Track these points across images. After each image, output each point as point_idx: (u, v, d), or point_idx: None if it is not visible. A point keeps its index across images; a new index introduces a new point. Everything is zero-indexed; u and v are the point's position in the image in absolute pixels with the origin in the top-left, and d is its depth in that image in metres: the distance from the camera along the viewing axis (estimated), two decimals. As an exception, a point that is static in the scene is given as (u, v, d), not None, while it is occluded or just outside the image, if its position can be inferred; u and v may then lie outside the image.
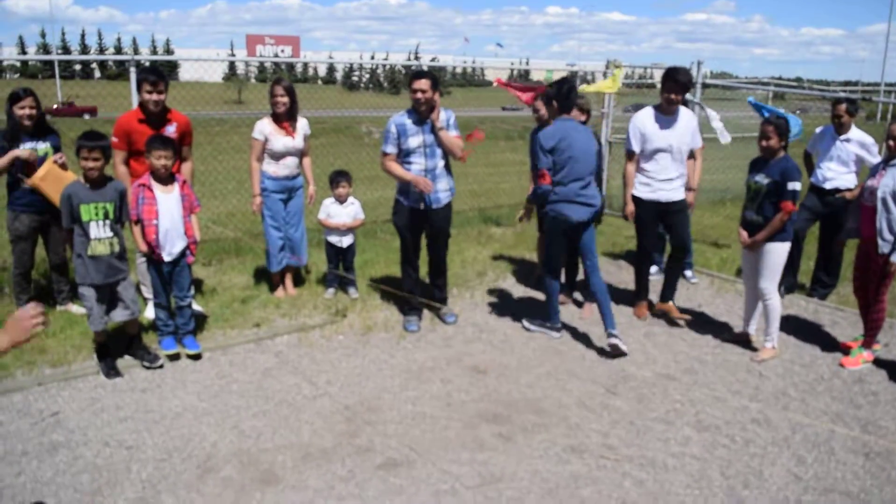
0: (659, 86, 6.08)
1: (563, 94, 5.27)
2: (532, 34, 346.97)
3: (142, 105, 5.18)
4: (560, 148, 5.11)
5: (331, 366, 4.93)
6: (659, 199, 5.74)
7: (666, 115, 5.72)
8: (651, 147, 5.72)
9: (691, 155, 5.91)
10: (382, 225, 8.54)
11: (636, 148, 5.80)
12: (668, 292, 6.05)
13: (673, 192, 5.75)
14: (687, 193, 5.87)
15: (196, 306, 5.51)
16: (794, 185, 4.85)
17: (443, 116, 5.34)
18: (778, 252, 5.02)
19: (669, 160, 5.71)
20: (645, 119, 5.76)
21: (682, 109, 5.81)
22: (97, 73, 69.68)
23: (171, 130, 5.21)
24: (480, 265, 7.38)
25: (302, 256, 6.26)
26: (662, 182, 5.72)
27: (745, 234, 5.15)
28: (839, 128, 6.25)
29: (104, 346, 4.68)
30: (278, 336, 5.37)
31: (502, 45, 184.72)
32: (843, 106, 6.17)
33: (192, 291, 5.17)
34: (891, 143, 4.85)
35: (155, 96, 5.11)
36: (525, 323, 5.72)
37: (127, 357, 4.79)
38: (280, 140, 5.79)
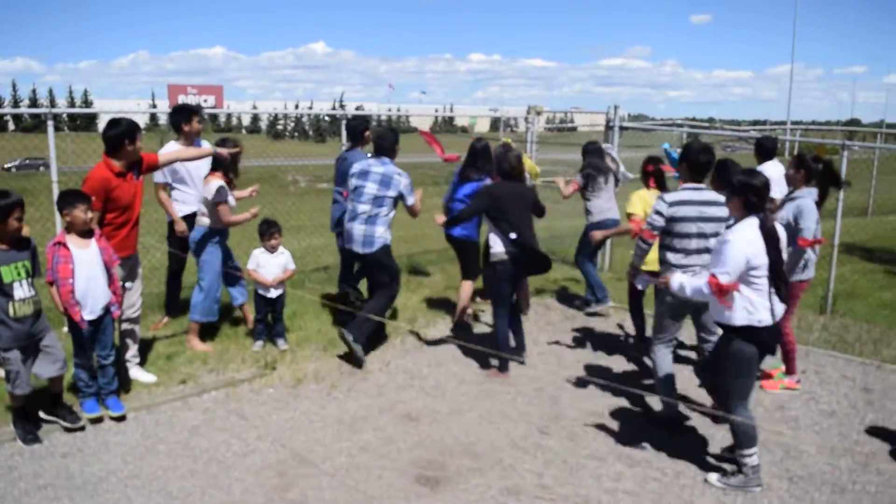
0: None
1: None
2: (456, 81, 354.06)
3: (119, 156, 4.99)
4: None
5: (261, 420, 4.83)
6: None
7: None
8: None
9: None
10: (310, 274, 8.47)
11: None
12: None
13: None
14: None
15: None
16: None
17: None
18: None
19: None
20: None
21: None
22: (11, 126, 67.30)
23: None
24: (410, 311, 7.39)
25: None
26: None
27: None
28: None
29: (21, 410, 4.48)
30: (206, 392, 5.23)
31: (425, 93, 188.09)
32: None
33: (114, 352, 4.95)
34: (787, 175, 5.30)
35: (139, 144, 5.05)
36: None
37: (47, 420, 4.58)
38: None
